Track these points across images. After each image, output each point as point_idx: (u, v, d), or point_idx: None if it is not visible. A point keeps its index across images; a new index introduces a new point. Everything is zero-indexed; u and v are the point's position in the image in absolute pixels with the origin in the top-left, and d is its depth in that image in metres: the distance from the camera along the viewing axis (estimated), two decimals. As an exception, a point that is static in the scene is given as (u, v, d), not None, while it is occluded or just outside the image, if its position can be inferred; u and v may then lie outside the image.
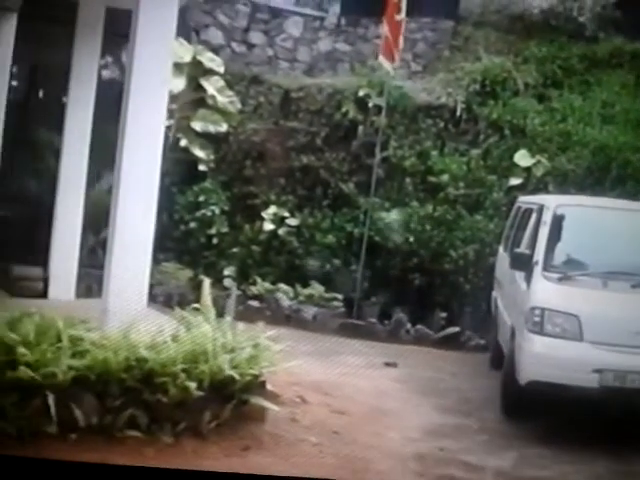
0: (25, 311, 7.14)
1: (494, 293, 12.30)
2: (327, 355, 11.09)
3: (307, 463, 7.31)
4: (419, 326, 13.40)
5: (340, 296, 13.97)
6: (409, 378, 10.74)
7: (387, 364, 11.36)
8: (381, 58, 14.66)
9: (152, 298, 8.61)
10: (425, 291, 14.21)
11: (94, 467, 5.28)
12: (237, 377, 7.36)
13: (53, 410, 6.57)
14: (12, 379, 6.55)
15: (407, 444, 8.11)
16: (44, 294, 11.14)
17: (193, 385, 7.09)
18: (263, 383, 7.77)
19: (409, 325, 13.42)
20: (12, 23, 12.63)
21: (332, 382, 9.81)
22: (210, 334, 7.54)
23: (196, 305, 8.03)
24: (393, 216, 14.48)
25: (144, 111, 8.30)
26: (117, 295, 8.07)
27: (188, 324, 7.73)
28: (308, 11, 18.55)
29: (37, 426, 6.61)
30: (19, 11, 12.58)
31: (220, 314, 8.22)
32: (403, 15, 14.30)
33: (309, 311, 13.51)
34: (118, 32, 11.58)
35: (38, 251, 11.96)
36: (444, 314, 13.68)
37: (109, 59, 13.83)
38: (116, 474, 4.89)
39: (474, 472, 7.63)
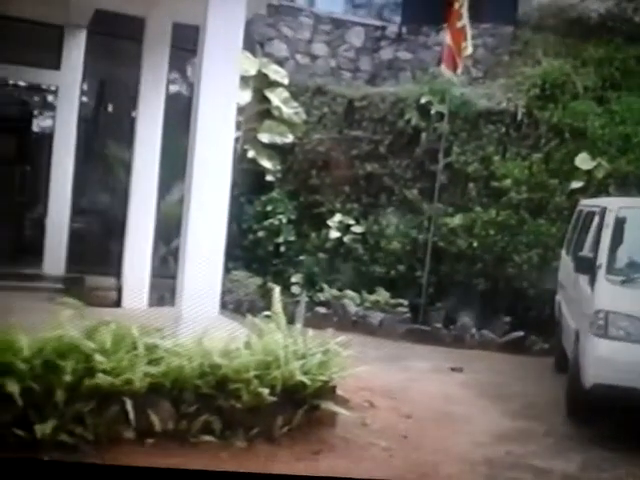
0: (102, 320, 7.23)
1: (558, 297, 12.16)
2: (394, 360, 11.12)
3: (377, 467, 7.31)
4: (484, 331, 13.32)
5: (405, 302, 13.96)
6: (475, 383, 10.67)
7: (453, 369, 11.31)
8: (443, 66, 14.60)
9: (222, 305, 8.68)
10: (489, 295, 14.09)
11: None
12: (308, 383, 7.37)
13: (132, 416, 6.65)
14: (90, 386, 6.62)
15: (474, 448, 8.05)
16: (118, 303, 11.32)
17: (266, 391, 7.12)
18: (333, 388, 7.77)
19: (474, 330, 13.34)
20: (82, 39, 12.88)
21: (400, 387, 9.83)
22: (281, 341, 7.57)
23: (267, 312, 8.07)
24: (457, 221, 14.43)
25: (213, 124, 8.42)
26: (190, 303, 8.19)
27: (260, 331, 7.78)
28: (369, 21, 18.59)
29: (114, 432, 6.69)
30: (88, 27, 12.84)
31: (289, 321, 8.25)
32: (465, 22, 14.22)
33: (375, 317, 13.51)
34: (183, 46, 11.75)
35: (111, 261, 12.15)
36: (508, 318, 13.56)
37: (174, 73, 13.93)
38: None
39: (541, 475, 7.55)
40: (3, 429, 6.35)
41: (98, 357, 6.74)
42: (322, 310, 13.50)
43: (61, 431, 6.47)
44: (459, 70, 14.49)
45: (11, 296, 10.68)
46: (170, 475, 4.82)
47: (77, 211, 13.19)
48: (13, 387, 6.35)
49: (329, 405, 7.62)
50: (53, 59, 13.01)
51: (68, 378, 6.55)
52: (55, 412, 6.51)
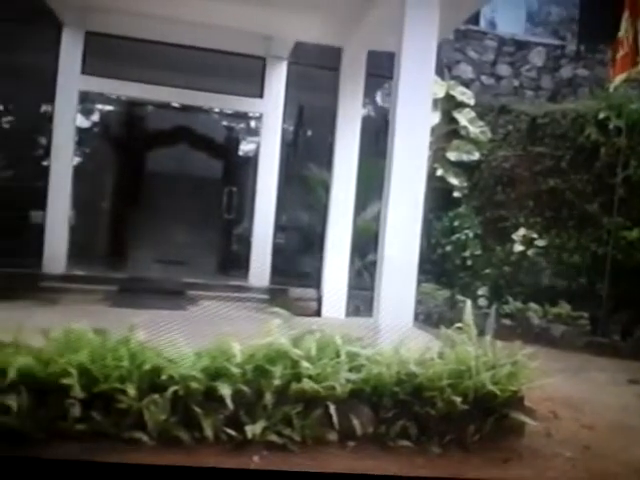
0: (307, 329, 7.40)
1: None
2: (574, 372, 10.90)
3: (561, 477, 7.18)
4: (659, 343, 12.93)
5: (586, 314, 13.67)
6: (651, 395, 10.38)
7: (631, 381, 11.01)
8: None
9: (414, 317, 8.70)
10: (666, 308, 13.66)
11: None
12: (498, 393, 7.31)
13: (335, 419, 6.77)
14: (297, 390, 6.78)
15: (653, 460, 7.84)
16: (318, 313, 11.57)
17: (458, 399, 7.09)
18: (521, 399, 7.66)
19: (650, 343, 12.97)
20: (283, 70, 13.29)
21: (580, 398, 9.60)
22: (473, 352, 7.54)
23: (458, 324, 8.05)
24: (635, 235, 14.03)
25: (409, 146, 8.51)
26: (386, 314, 8.30)
27: (452, 342, 7.78)
28: (550, 41, 18.38)
29: (319, 434, 6.81)
30: (289, 58, 13.20)
31: (478, 332, 8.21)
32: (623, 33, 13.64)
33: (557, 329, 13.29)
34: (372, 71, 11.88)
35: (311, 274, 12.41)
36: (683, 331, 13.13)
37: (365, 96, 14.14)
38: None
39: None
40: (216, 429, 6.59)
41: (304, 363, 6.90)
42: (507, 322, 13.34)
43: (270, 431, 6.64)
44: (616, 79, 13.93)
45: (222, 306, 11.09)
46: (174, 474, 4.84)
47: (279, 227, 13.56)
48: (226, 390, 6.56)
49: (518, 415, 7.49)
50: (257, 88, 13.50)
51: (277, 382, 6.72)
52: (264, 414, 6.68)
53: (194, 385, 6.57)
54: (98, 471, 4.57)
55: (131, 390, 6.46)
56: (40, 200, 12.81)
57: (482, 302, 13.63)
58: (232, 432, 6.57)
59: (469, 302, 8.25)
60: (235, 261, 14.46)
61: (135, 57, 13.15)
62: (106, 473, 4.47)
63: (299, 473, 5.88)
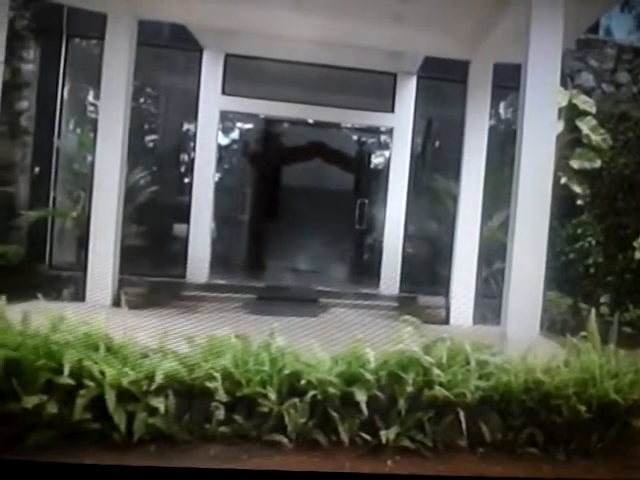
0: (438, 336, 7.40)
1: None
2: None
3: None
4: None
5: None
6: None
7: None
8: None
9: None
10: None
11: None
12: (620, 401, 7.15)
13: (465, 426, 6.73)
14: (429, 397, 6.77)
15: None
16: (446, 321, 11.56)
17: (583, 407, 6.97)
18: (642, 407, 7.54)
19: None
20: (412, 84, 13.34)
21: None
22: (597, 360, 7.43)
23: (582, 332, 7.93)
24: None
25: (536, 155, 8.50)
26: (514, 322, 8.25)
27: (577, 350, 7.68)
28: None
29: (450, 440, 6.78)
30: (418, 73, 13.25)
31: (601, 340, 8.06)
32: None
33: (674, 336, 12.89)
34: (495, 83, 11.81)
35: (440, 282, 12.40)
36: None
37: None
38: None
39: None
40: (352, 433, 6.63)
41: (435, 370, 6.89)
42: (627, 330, 12.96)
43: (403, 437, 6.65)
44: None
45: (353, 313, 11.19)
46: (179, 474, 4.79)
47: (409, 237, 13.59)
48: (361, 396, 6.60)
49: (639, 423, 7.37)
50: (388, 103, 13.58)
51: (410, 389, 6.73)
52: (398, 419, 6.71)
53: (331, 390, 6.63)
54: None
55: (272, 394, 6.57)
56: (183, 214, 13.21)
57: (604, 310, 13.31)
58: (367, 436, 6.61)
59: (593, 311, 8.11)
60: (366, 270, 14.58)
61: (271, 76, 13.39)
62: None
63: (302, 473, 5.89)
